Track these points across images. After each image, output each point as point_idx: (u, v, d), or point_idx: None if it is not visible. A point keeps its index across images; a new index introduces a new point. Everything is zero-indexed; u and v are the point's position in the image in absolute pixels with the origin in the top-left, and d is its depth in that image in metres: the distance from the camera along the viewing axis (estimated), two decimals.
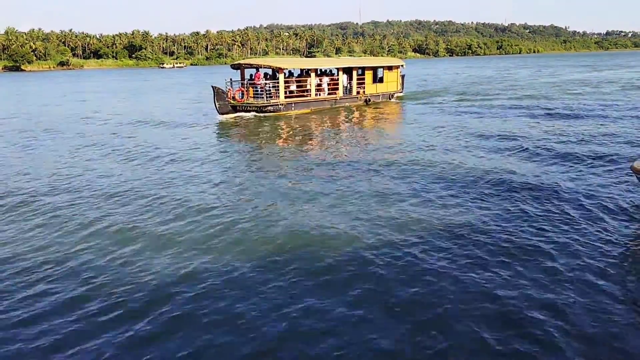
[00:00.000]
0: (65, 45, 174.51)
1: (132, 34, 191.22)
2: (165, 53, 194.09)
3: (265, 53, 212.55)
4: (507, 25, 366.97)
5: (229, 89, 26.29)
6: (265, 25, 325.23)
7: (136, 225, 9.70)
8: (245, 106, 26.15)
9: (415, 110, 28.65)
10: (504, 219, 9.58)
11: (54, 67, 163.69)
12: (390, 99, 32.66)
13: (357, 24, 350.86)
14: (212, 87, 25.47)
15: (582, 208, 10.14)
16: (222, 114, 25.74)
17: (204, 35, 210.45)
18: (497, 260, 7.80)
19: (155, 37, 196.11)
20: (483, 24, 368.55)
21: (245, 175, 13.65)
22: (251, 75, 26.93)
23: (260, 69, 26.93)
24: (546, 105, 28.00)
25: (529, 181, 12.10)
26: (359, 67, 30.56)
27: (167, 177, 13.55)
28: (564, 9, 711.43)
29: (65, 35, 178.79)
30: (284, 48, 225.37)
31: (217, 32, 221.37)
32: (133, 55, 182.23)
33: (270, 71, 27.61)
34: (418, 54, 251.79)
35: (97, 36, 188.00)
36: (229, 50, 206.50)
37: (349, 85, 30.29)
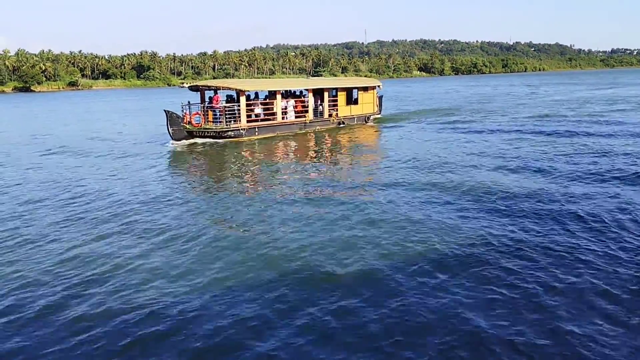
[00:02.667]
0: (74, 66, 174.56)
1: (141, 55, 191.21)
2: (173, 73, 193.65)
3: (272, 72, 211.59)
4: (512, 43, 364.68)
5: (185, 113, 24.02)
6: (272, 45, 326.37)
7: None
8: (202, 131, 23.85)
9: (391, 134, 26.26)
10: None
11: (63, 88, 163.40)
12: (366, 121, 30.26)
13: (362, 43, 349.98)
14: (165, 111, 23.18)
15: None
16: (177, 140, 23.44)
17: (211, 55, 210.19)
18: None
19: (163, 58, 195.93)
20: (488, 42, 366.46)
21: (188, 218, 11.33)
22: (210, 97, 24.69)
23: (219, 91, 24.63)
24: (560, 124, 26.04)
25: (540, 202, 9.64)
26: (331, 88, 28.24)
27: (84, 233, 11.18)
28: (569, 28, 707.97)
29: (74, 56, 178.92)
30: (291, 67, 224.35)
31: (224, 52, 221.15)
32: (141, 76, 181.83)
33: (235, 93, 25.35)
34: (424, 73, 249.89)
35: (106, 57, 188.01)
36: (236, 70, 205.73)
37: (320, 108, 27.95)
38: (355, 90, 30.00)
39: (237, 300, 7.19)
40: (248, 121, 24.66)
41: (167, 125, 23.15)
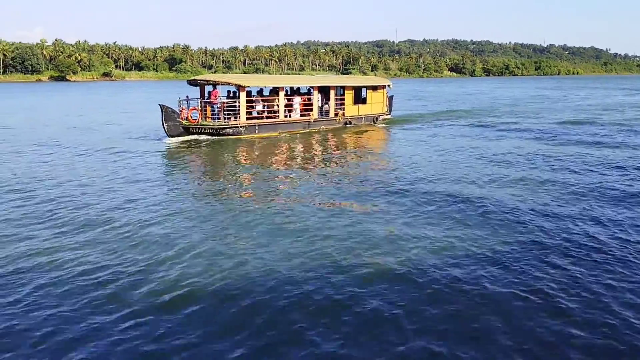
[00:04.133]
0: (108, 57, 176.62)
1: (173, 48, 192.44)
2: (204, 67, 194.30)
3: (302, 69, 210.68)
4: (545, 46, 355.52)
5: (182, 108, 22.92)
6: (302, 42, 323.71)
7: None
8: (199, 128, 22.72)
9: (400, 136, 24.81)
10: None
11: (97, 78, 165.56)
12: (374, 122, 28.74)
13: (393, 42, 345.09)
14: (160, 105, 22.09)
15: None
16: (172, 136, 22.34)
17: (242, 50, 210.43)
18: None
19: (195, 51, 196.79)
20: (521, 44, 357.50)
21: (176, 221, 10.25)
22: (209, 92, 23.54)
23: (218, 86, 23.43)
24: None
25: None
26: (338, 86, 26.80)
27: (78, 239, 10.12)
28: (605, 31, 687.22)
29: (109, 48, 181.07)
30: (320, 64, 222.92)
31: (255, 47, 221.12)
32: (173, 68, 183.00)
33: (235, 89, 24.13)
34: (454, 73, 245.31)
35: (140, 49, 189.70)
36: (266, 65, 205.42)
37: (326, 106, 26.55)
38: (363, 89, 28.49)
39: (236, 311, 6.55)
40: (248, 118, 23.45)
41: (162, 120, 22.07)
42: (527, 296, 6.95)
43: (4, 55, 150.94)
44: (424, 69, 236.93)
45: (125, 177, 15.03)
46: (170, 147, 21.22)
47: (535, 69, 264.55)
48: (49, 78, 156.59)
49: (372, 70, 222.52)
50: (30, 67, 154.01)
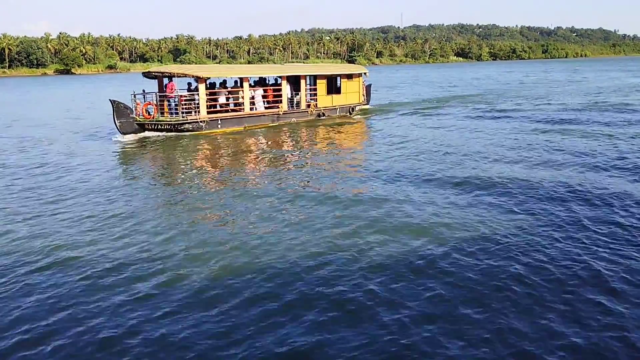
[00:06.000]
0: (113, 49, 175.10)
1: (177, 38, 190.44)
2: (209, 57, 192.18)
3: (307, 57, 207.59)
4: (553, 28, 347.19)
5: (137, 103, 21.05)
6: (307, 30, 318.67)
7: None
8: (155, 124, 20.87)
9: (376, 126, 23.03)
10: None
11: (102, 70, 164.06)
12: (350, 112, 26.67)
13: (398, 27, 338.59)
14: (111, 101, 20.21)
15: None
16: (125, 133, 20.49)
17: (246, 39, 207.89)
18: None
19: (199, 42, 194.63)
20: (528, 27, 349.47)
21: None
22: (165, 86, 21.63)
23: (175, 79, 21.48)
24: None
25: None
26: (309, 76, 24.76)
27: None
28: (614, 12, 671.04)
29: (113, 40, 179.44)
30: (325, 52, 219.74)
31: (259, 36, 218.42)
32: (177, 59, 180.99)
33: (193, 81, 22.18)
34: (461, 58, 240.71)
35: (144, 40, 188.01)
36: (271, 54, 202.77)
37: (297, 98, 24.54)
38: (337, 78, 26.35)
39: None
40: (209, 112, 21.54)
41: (114, 117, 20.21)
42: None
43: (9, 49, 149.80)
44: (429, 55, 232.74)
45: (61, 183, 13.18)
46: (122, 145, 19.40)
47: (543, 52, 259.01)
48: (54, 72, 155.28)
49: (377, 57, 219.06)
50: (35, 61, 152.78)
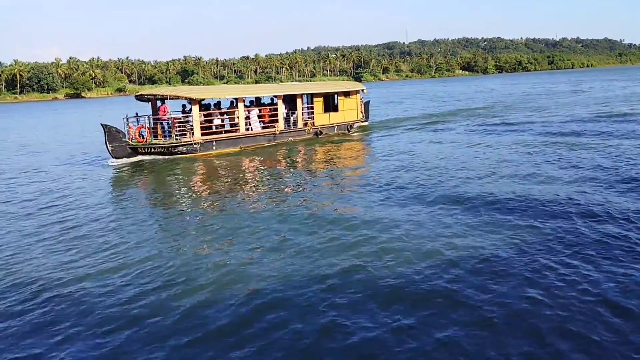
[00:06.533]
0: (121, 72, 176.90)
1: (185, 60, 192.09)
2: (216, 77, 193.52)
3: (313, 75, 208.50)
4: (558, 39, 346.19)
5: (130, 127, 20.69)
6: (313, 47, 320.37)
7: None
8: (148, 147, 20.47)
9: (375, 144, 22.51)
10: None
11: (111, 94, 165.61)
12: (348, 130, 26.15)
13: (403, 43, 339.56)
14: (102, 125, 19.87)
15: None
16: (118, 157, 20.11)
17: (253, 59, 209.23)
18: None
19: (206, 62, 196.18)
20: (533, 39, 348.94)
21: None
22: (158, 108, 21.28)
23: (166, 101, 21.14)
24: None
25: None
26: (305, 94, 24.33)
27: None
28: (619, 21, 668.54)
29: (122, 63, 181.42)
30: (331, 69, 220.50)
31: (266, 55, 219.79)
32: (185, 80, 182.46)
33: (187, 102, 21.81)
34: (467, 72, 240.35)
35: (152, 63, 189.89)
36: (278, 73, 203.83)
37: (294, 116, 24.10)
38: (334, 96, 25.89)
39: None
40: (204, 134, 21.14)
41: (106, 141, 19.85)
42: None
43: (20, 75, 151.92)
44: (435, 69, 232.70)
45: (49, 212, 12.72)
46: (115, 170, 19.00)
47: (549, 64, 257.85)
48: (64, 96, 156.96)
49: (383, 73, 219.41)
50: (46, 86, 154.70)
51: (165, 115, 20.77)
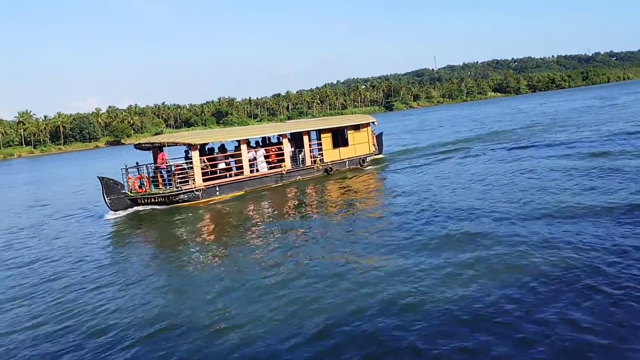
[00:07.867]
0: (159, 117, 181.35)
1: (219, 102, 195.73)
2: (250, 116, 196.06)
3: (344, 107, 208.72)
4: (591, 54, 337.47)
5: (129, 177, 19.77)
6: (342, 80, 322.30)
7: None
8: (148, 197, 19.45)
9: (389, 179, 20.96)
10: None
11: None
12: (361, 164, 24.62)
13: (432, 69, 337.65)
14: (99, 178, 19.00)
15: None
16: (116, 210, 19.15)
17: (284, 96, 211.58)
18: None
19: (239, 102, 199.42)
20: (565, 56, 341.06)
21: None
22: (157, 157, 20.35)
23: (164, 148, 20.17)
24: None
25: None
26: (311, 131, 23.04)
27: None
28: None
29: (158, 108, 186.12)
30: (362, 101, 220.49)
31: (297, 92, 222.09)
32: (220, 121, 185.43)
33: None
34: (499, 93, 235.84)
35: (187, 106, 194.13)
36: (309, 108, 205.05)
37: (302, 154, 22.80)
38: (344, 131, 24.51)
39: None
40: (205, 179, 20.02)
41: (103, 194, 18.94)
42: None
43: (64, 127, 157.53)
44: (466, 93, 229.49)
45: (40, 271, 11.74)
46: (113, 224, 17.96)
47: (583, 80, 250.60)
48: (105, 144, 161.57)
49: (414, 100, 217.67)
50: (87, 135, 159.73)
51: (163, 163, 19.79)
